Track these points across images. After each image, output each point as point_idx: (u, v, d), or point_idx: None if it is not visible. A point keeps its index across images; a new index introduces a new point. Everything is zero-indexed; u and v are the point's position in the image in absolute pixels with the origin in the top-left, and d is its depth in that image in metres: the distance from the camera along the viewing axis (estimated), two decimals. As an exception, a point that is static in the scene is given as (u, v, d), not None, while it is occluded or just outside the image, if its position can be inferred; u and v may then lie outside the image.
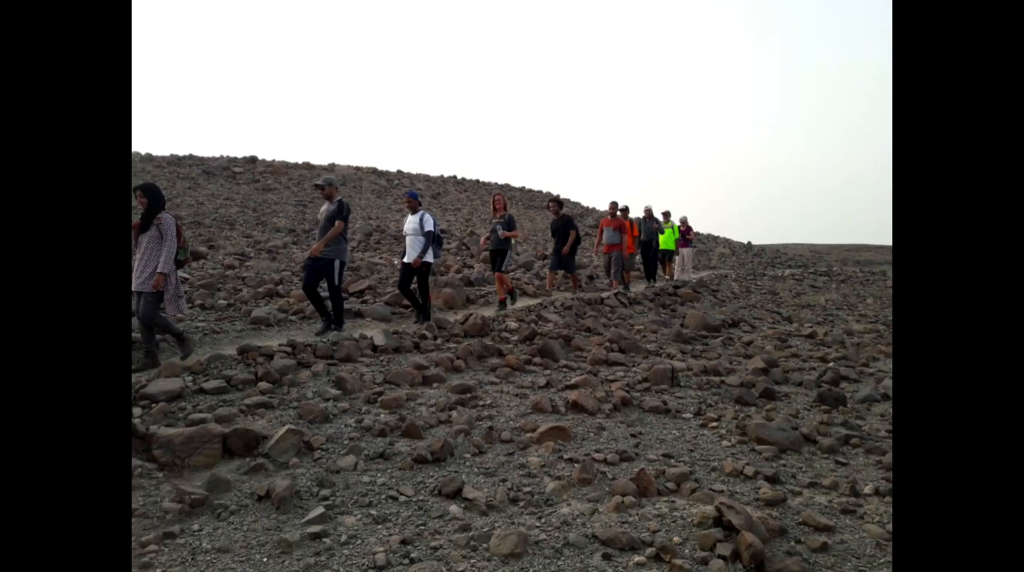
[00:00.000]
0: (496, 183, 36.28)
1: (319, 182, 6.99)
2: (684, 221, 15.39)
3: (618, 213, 11.99)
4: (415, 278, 7.67)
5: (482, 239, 9.72)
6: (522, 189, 36.50)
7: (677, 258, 15.30)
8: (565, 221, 10.39)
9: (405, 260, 7.64)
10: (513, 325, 7.75)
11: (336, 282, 6.76)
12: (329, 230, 6.67)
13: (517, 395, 5.30)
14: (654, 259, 13.94)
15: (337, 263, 6.72)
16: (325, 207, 6.90)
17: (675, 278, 14.89)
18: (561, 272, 10.86)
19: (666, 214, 14.60)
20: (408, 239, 7.70)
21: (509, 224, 8.95)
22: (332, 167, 30.97)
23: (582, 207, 34.26)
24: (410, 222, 7.71)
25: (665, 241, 14.32)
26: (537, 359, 6.50)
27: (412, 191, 8.05)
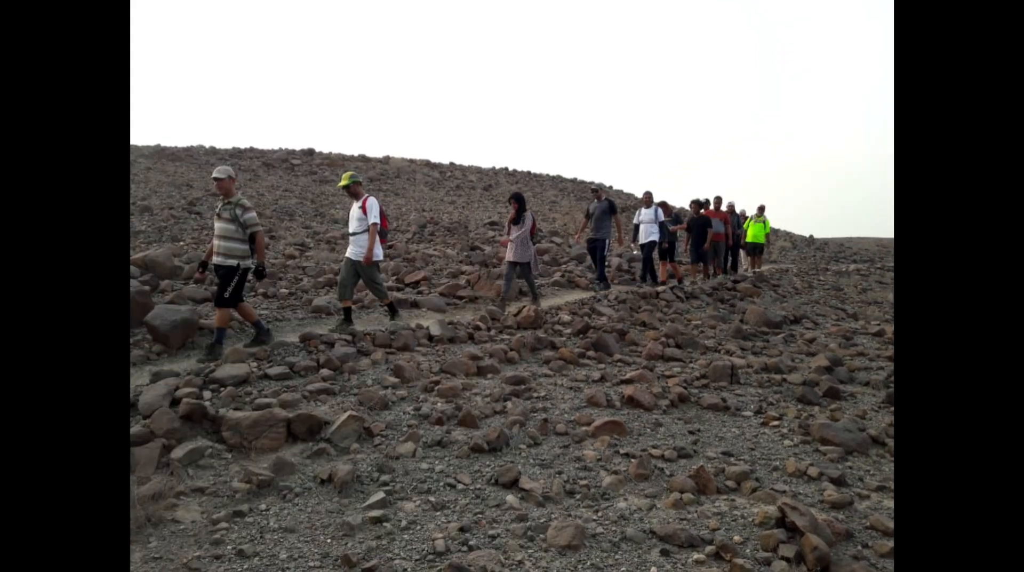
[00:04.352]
0: (547, 174, 36.12)
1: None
2: (744, 214, 15.07)
3: (723, 208, 13.28)
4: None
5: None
6: (573, 180, 36.23)
7: (742, 253, 15.02)
8: (703, 221, 11.83)
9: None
10: (566, 318, 7.74)
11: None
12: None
13: (571, 388, 5.30)
14: (734, 253, 14.18)
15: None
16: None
17: (746, 271, 14.64)
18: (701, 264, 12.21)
19: (761, 208, 14.47)
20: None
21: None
22: (387, 159, 31.46)
23: (624, 195, 33.71)
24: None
25: (756, 234, 14.29)
26: (591, 353, 6.48)
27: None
